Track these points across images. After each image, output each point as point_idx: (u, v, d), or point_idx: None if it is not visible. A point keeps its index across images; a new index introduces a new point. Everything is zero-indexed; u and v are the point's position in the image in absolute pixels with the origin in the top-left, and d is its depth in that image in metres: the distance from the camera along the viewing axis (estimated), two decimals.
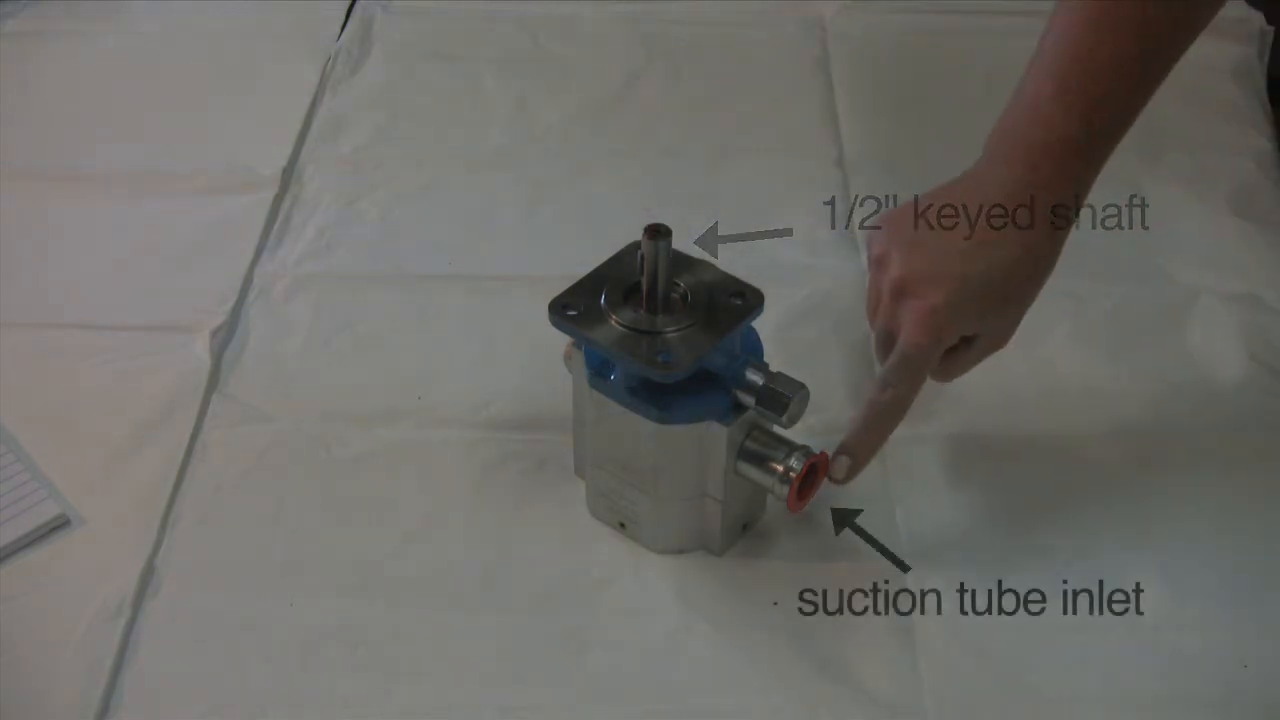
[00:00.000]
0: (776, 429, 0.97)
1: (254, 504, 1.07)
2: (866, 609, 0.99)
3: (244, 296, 1.24)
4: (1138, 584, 1.00)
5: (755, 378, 0.95)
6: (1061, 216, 0.95)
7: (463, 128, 1.45)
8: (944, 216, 0.96)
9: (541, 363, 1.14)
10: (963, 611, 0.99)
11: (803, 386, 0.94)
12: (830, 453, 0.98)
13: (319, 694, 0.94)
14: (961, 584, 1.00)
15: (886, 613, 0.99)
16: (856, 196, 1.34)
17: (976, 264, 0.94)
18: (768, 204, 1.33)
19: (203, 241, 1.30)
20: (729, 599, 1.00)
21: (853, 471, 0.97)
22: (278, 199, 1.35)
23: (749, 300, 0.97)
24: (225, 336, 1.19)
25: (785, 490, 0.96)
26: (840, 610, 0.99)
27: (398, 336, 1.21)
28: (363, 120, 1.46)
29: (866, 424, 0.97)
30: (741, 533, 1.04)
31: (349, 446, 1.11)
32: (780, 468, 0.96)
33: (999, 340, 1.00)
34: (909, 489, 1.07)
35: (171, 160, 1.40)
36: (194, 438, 1.11)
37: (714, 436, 0.96)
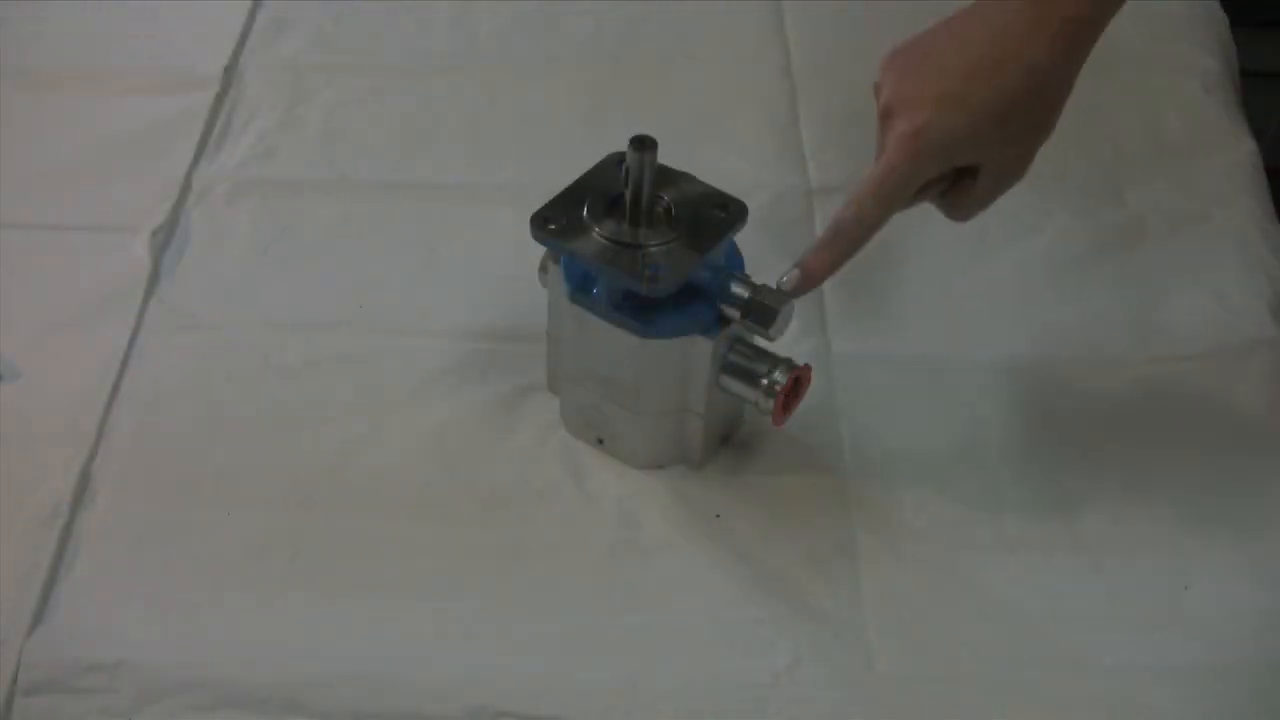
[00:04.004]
0: (759, 342, 0.97)
1: (191, 412, 1.06)
2: (815, 524, 0.99)
3: (183, 201, 1.22)
4: (1081, 504, 1.00)
5: (741, 290, 0.94)
6: (1075, 32, 0.89)
7: (404, 33, 1.43)
8: (942, 42, 0.92)
9: (483, 270, 1.13)
10: (905, 529, 0.99)
11: (789, 298, 0.93)
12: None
13: (257, 604, 0.94)
14: (904, 501, 1.01)
15: (834, 528, 0.99)
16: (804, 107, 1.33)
17: (975, 87, 0.89)
18: (713, 113, 1.33)
19: (140, 143, 1.28)
20: (673, 512, 1.00)
21: (801, 286, 0.93)
22: (218, 99, 1.32)
23: (732, 212, 0.96)
24: (165, 238, 1.18)
25: (770, 403, 0.95)
26: (789, 525, 0.99)
27: (339, 244, 1.20)
28: (304, 23, 1.43)
29: (825, 240, 0.93)
30: (720, 445, 1.04)
31: (288, 354, 1.10)
32: (765, 381, 0.96)
33: (1009, 172, 0.94)
34: (855, 406, 1.07)
35: (108, 57, 1.37)
36: (131, 344, 1.10)
37: (698, 351, 0.96)
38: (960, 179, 0.94)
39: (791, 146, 1.29)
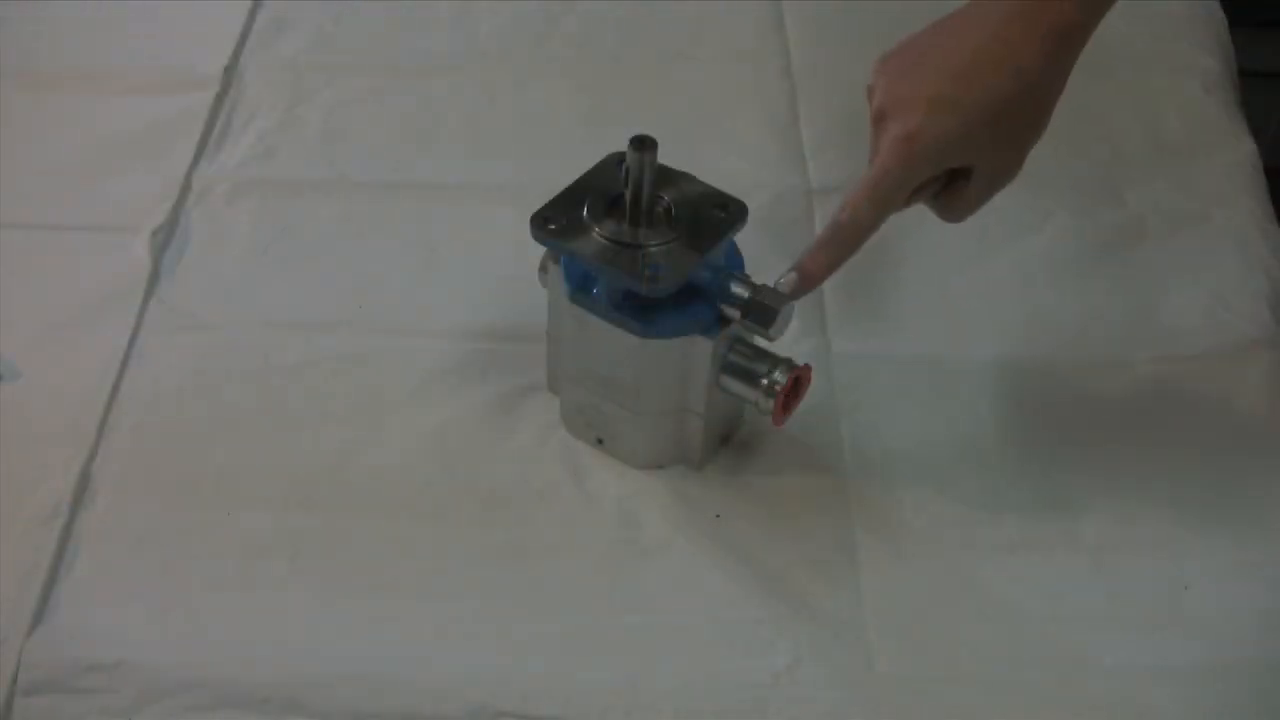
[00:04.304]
0: (759, 341, 0.97)
1: (191, 412, 1.06)
2: (815, 524, 0.99)
3: (183, 201, 1.22)
4: (1081, 504, 1.00)
5: (741, 290, 0.94)
6: (1064, 34, 0.90)
7: (404, 33, 1.43)
8: (933, 44, 0.93)
9: (483, 270, 1.13)
10: (905, 529, 0.99)
11: (788, 298, 0.93)
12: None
13: (257, 604, 0.94)
14: (904, 501, 1.00)
15: (834, 528, 0.99)
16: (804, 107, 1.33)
17: (966, 90, 0.90)
18: (713, 113, 1.33)
19: (140, 143, 1.27)
20: (673, 512, 1.00)
21: (799, 288, 0.93)
22: (218, 99, 1.32)
23: (732, 212, 0.96)
24: (165, 238, 1.18)
25: (770, 403, 0.95)
26: (789, 525, 0.99)
27: (339, 244, 1.20)
28: (304, 23, 1.43)
29: (821, 243, 0.93)
30: (720, 445, 1.04)
31: (288, 354, 1.10)
32: (765, 381, 0.96)
33: (1002, 173, 0.94)
34: (855, 406, 1.07)
35: (108, 57, 1.37)
36: (131, 344, 1.09)
37: (698, 351, 0.96)
38: (953, 181, 0.94)
39: (791, 146, 1.29)
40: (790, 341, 1.02)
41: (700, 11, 1.45)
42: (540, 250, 1.00)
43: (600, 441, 1.03)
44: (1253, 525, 1.00)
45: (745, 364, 0.96)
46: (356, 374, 1.09)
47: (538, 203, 0.97)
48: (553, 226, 0.95)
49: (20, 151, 1.27)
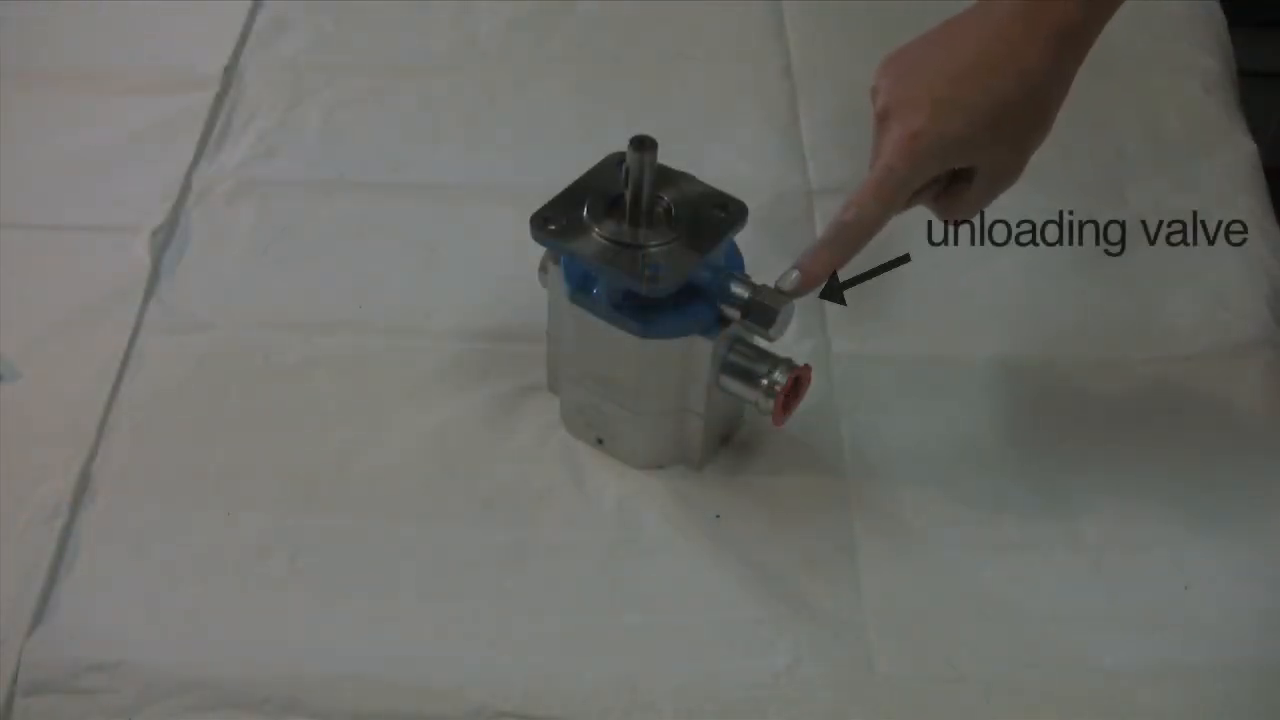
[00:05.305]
0: (759, 342, 0.97)
1: (191, 412, 1.06)
2: (815, 524, 0.99)
3: (183, 201, 1.22)
4: (1081, 504, 1.00)
5: (741, 291, 0.94)
6: (1067, 36, 0.90)
7: (404, 33, 1.42)
8: (937, 45, 0.93)
9: (483, 270, 1.13)
10: (905, 529, 0.99)
11: (789, 298, 0.93)
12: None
13: (257, 606, 0.94)
14: (904, 501, 1.00)
15: (834, 528, 0.99)
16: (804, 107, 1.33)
17: (970, 91, 0.90)
18: (713, 113, 1.33)
19: (140, 143, 1.27)
20: (673, 512, 1.00)
21: (801, 287, 0.92)
22: (218, 99, 1.32)
23: (732, 212, 0.96)
24: (165, 238, 1.18)
25: (770, 404, 0.95)
26: (789, 525, 0.99)
27: (339, 244, 1.20)
28: (304, 23, 1.43)
29: (825, 242, 0.93)
30: (720, 445, 1.04)
31: (288, 354, 1.10)
32: (765, 381, 0.96)
33: (1004, 174, 0.94)
34: (855, 406, 1.07)
35: (108, 57, 1.37)
36: (131, 344, 1.09)
37: (698, 351, 0.96)
38: (954, 182, 0.95)
39: (791, 146, 1.29)
40: (790, 341, 1.02)
41: (700, 11, 1.45)
42: (540, 250, 1.00)
43: (600, 441, 1.03)
44: (1253, 525, 1.00)
45: (745, 364, 0.96)
46: (356, 374, 1.09)
47: (538, 203, 0.96)
48: (553, 226, 0.95)
49: (20, 151, 1.27)
